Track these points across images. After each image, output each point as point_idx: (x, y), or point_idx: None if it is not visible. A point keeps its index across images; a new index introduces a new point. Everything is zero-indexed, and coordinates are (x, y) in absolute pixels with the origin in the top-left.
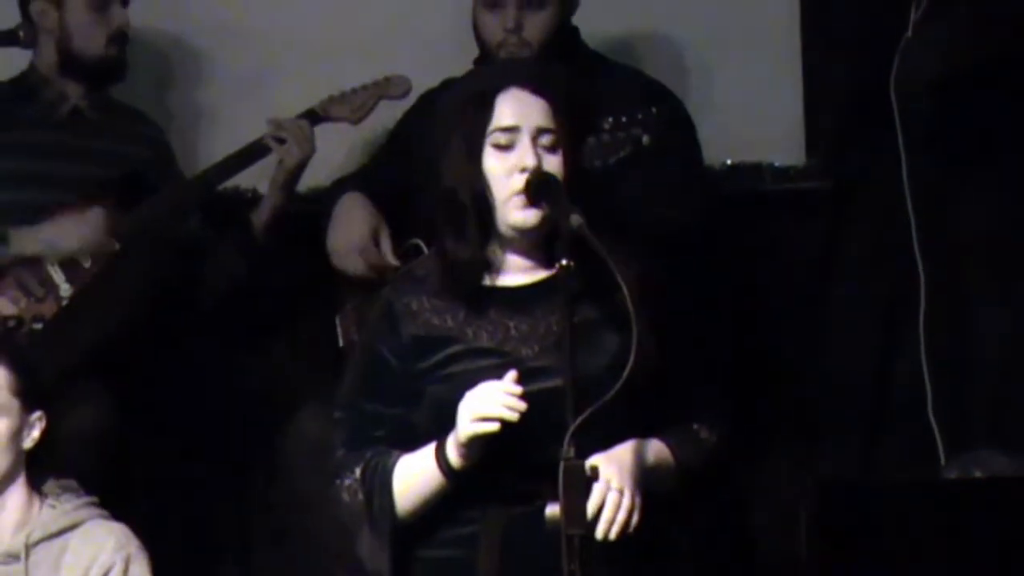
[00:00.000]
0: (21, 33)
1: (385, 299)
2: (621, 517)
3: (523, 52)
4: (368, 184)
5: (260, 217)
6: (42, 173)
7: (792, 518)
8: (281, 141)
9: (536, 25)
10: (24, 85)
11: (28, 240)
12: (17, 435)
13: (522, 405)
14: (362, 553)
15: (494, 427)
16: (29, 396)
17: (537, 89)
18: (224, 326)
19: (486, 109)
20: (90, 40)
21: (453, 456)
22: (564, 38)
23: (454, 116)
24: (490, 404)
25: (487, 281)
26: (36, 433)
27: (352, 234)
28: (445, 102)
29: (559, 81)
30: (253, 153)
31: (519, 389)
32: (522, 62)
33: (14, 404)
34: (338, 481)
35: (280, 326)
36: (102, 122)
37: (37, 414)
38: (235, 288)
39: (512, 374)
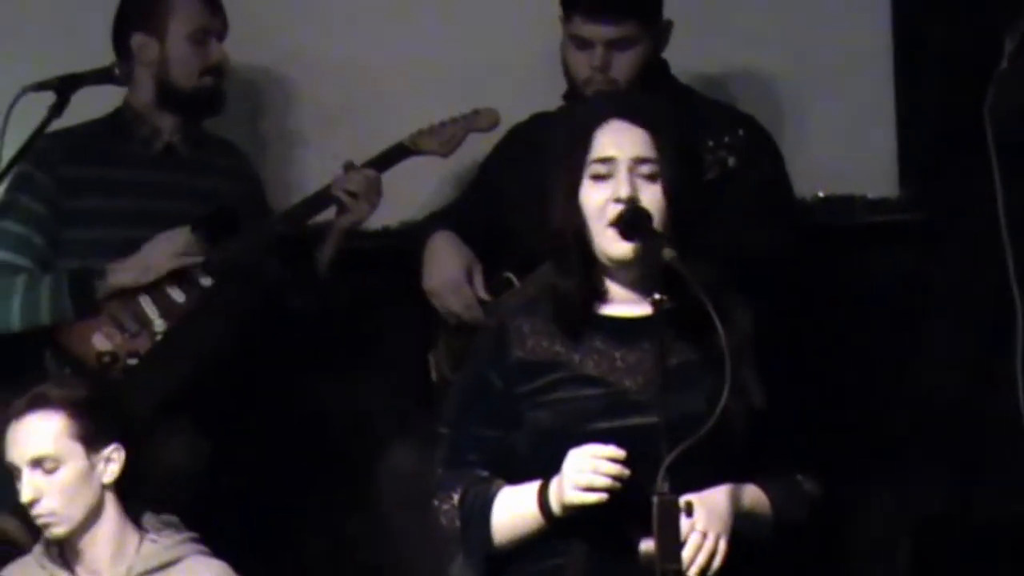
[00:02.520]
0: (116, 70)
1: (498, 319)
2: (702, 559)
3: (610, 89)
4: (459, 219)
5: (323, 256)
6: (136, 210)
7: (888, 554)
8: (351, 194)
9: (624, 63)
10: (117, 122)
11: (122, 271)
12: (87, 476)
13: (626, 472)
14: None
15: (599, 498)
16: (96, 436)
17: (636, 119)
18: (315, 360)
19: (586, 141)
20: (188, 72)
21: (556, 506)
22: (653, 73)
23: (557, 150)
24: (596, 476)
25: (597, 310)
26: (115, 467)
27: (445, 273)
28: (550, 137)
29: (659, 111)
30: (323, 200)
31: (622, 454)
32: (622, 93)
33: (75, 448)
34: (436, 503)
35: (372, 361)
36: (195, 158)
37: (111, 448)
38: (320, 322)
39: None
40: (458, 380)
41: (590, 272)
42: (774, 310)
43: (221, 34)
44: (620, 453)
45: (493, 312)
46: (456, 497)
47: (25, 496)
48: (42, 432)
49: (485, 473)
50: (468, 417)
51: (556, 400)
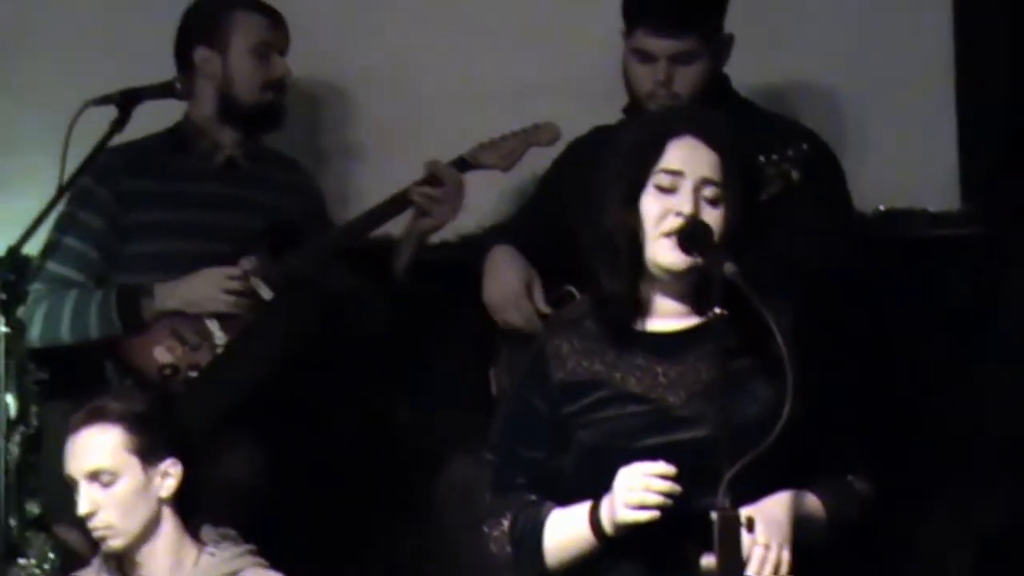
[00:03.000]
0: (178, 85)
1: (538, 342)
2: (768, 571)
3: (673, 104)
4: (520, 232)
5: (400, 263)
6: (196, 223)
7: (950, 569)
8: (430, 198)
9: (686, 78)
10: (178, 136)
11: (169, 295)
12: (144, 489)
13: (677, 489)
14: None
15: (652, 516)
16: (152, 450)
17: (711, 141)
18: (377, 373)
19: (656, 150)
20: (250, 86)
21: (608, 525)
22: (714, 87)
23: (624, 155)
24: (647, 494)
25: (638, 326)
26: (172, 482)
27: (505, 287)
28: (620, 138)
29: (731, 135)
30: (399, 205)
31: (673, 470)
32: (699, 111)
33: (132, 461)
34: (486, 529)
35: (433, 374)
36: (255, 171)
37: (168, 462)
38: (384, 335)
39: (665, 467)
40: (502, 406)
41: (637, 279)
42: (834, 321)
43: (283, 49)
44: (670, 469)
45: (535, 338)
46: (506, 523)
47: (82, 509)
48: (99, 445)
49: (534, 497)
50: (514, 441)
51: (601, 419)
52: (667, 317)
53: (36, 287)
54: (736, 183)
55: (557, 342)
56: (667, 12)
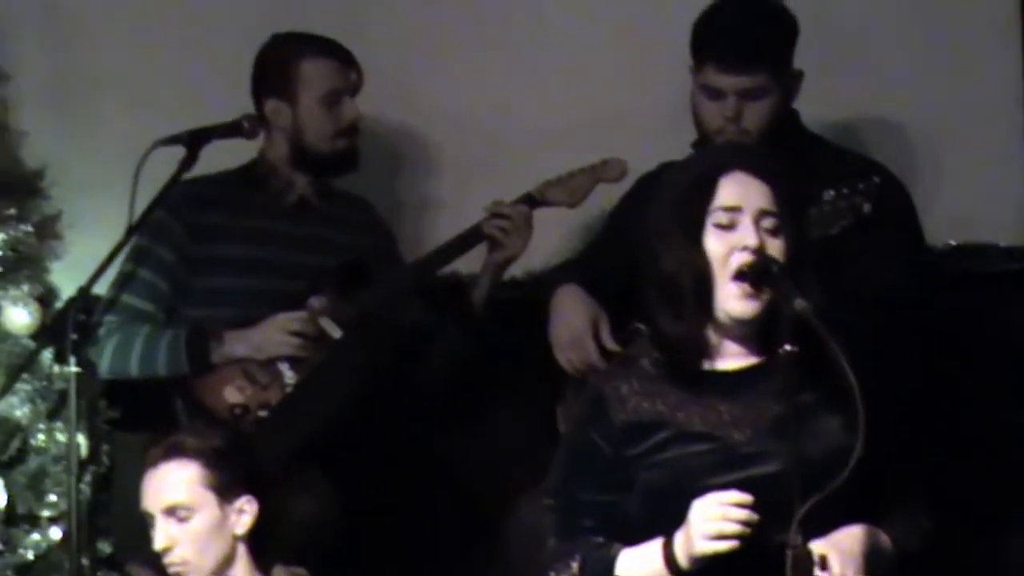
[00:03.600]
0: (245, 124)
1: (594, 385)
2: None
3: (743, 140)
4: (588, 269)
5: (478, 296)
6: (267, 260)
7: None
8: (503, 230)
9: (756, 114)
10: (253, 174)
11: (237, 341)
12: (220, 525)
13: (755, 517)
14: None
15: (731, 546)
16: (229, 486)
17: (760, 173)
18: (445, 412)
19: (709, 189)
20: (322, 135)
21: (684, 559)
22: (784, 122)
23: (677, 196)
24: (725, 523)
25: (700, 365)
26: (247, 519)
27: (570, 327)
28: (668, 182)
29: (781, 167)
30: (472, 239)
31: (750, 499)
32: (746, 145)
33: (209, 497)
34: (552, 574)
35: (503, 413)
36: (327, 211)
37: (243, 499)
38: (457, 371)
39: (741, 496)
40: (562, 450)
41: (702, 322)
42: (904, 355)
43: (355, 90)
44: (747, 498)
45: (589, 382)
46: (575, 565)
47: (158, 543)
48: (177, 480)
49: (600, 539)
50: (578, 484)
51: (666, 459)
52: (729, 357)
53: (109, 319)
54: (790, 212)
55: (615, 384)
56: (736, 48)
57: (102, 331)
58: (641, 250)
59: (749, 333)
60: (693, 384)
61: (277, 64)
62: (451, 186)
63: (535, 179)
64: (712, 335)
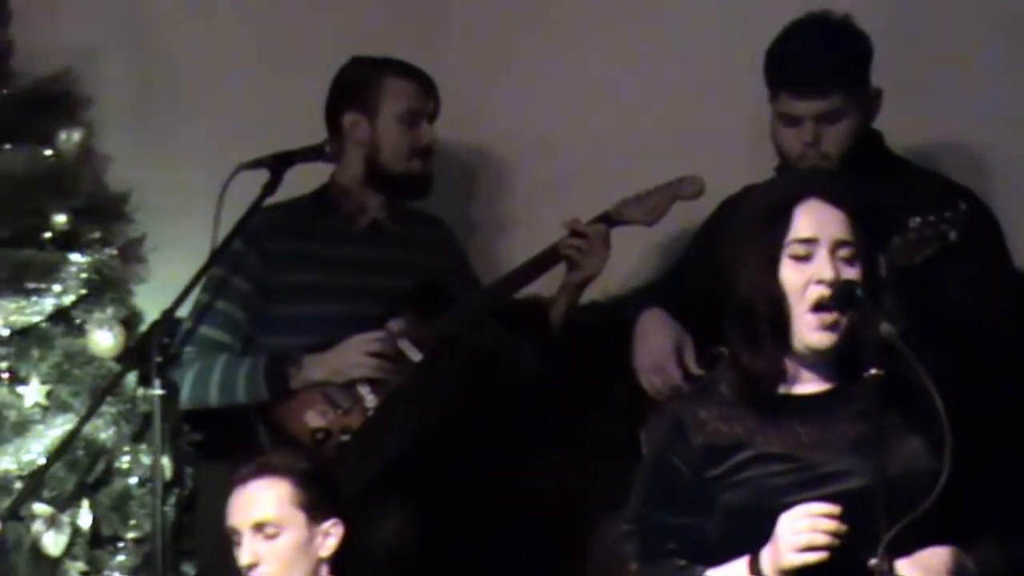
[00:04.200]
0: (328, 148)
1: (672, 410)
2: None
3: (823, 164)
4: (671, 292)
5: (556, 316)
6: (343, 285)
7: None
8: (579, 249)
9: (835, 137)
10: (324, 198)
11: (316, 366)
12: (306, 546)
13: (844, 528)
14: None
15: (821, 557)
16: (318, 507)
17: (836, 200)
18: (527, 435)
19: (784, 220)
20: (398, 153)
21: (772, 574)
22: (865, 145)
23: (752, 226)
24: (815, 535)
25: (779, 389)
26: (332, 542)
27: (653, 351)
28: (743, 211)
29: (857, 192)
30: (549, 260)
31: (838, 510)
32: (821, 172)
33: (298, 516)
34: None
35: (584, 436)
36: (400, 233)
37: (331, 522)
38: (537, 393)
39: (830, 507)
40: (642, 475)
41: (780, 352)
42: (990, 380)
43: (433, 115)
44: (835, 509)
45: (666, 407)
46: None
47: (244, 559)
48: (267, 497)
49: (683, 562)
50: (659, 508)
51: (746, 480)
52: (808, 381)
53: (187, 350)
54: (868, 238)
55: (693, 410)
56: (807, 73)
57: (182, 361)
58: (720, 276)
59: (825, 361)
60: (770, 408)
61: (360, 79)
62: (524, 206)
63: (609, 198)
64: (789, 363)
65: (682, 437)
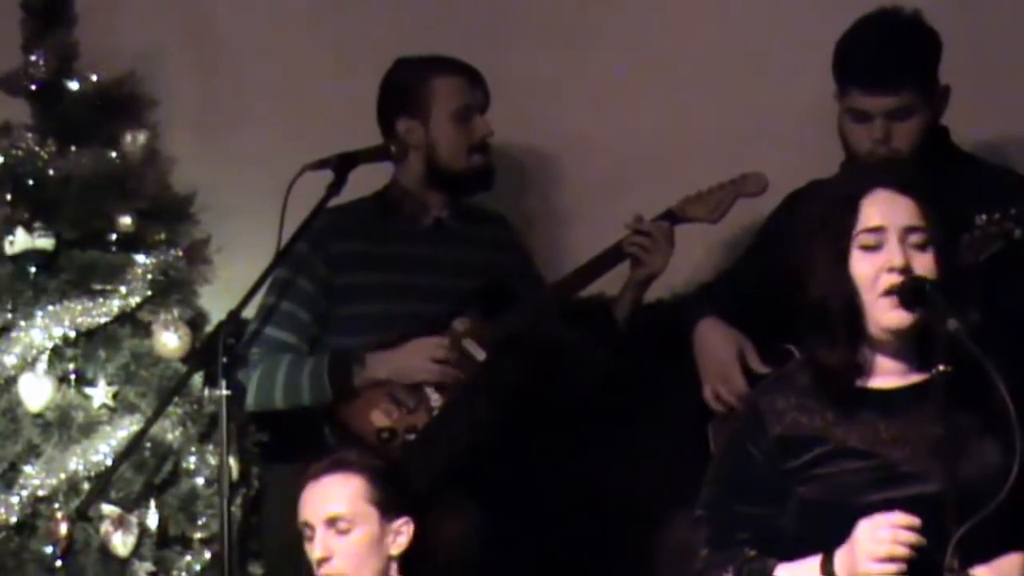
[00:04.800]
0: (393, 148)
1: (751, 399)
2: None
3: (897, 156)
4: (729, 292)
5: (621, 313)
6: (407, 285)
7: None
8: (643, 247)
9: (905, 134)
10: (386, 199)
11: (380, 364)
12: (378, 542)
13: (923, 542)
14: None
15: (899, 569)
16: (391, 505)
17: (902, 188)
18: (594, 430)
19: (852, 212)
20: (455, 151)
21: None
22: (934, 140)
23: (820, 221)
24: (896, 546)
25: (858, 383)
26: (403, 540)
27: (717, 361)
28: (810, 207)
29: (923, 179)
30: (613, 258)
31: (918, 522)
32: (885, 162)
33: (371, 512)
34: None
35: (650, 433)
36: (463, 231)
37: (402, 520)
38: (603, 390)
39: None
40: (716, 462)
41: (856, 345)
42: None
43: (484, 107)
44: (916, 521)
45: (747, 395)
46: None
47: (316, 553)
48: (341, 492)
49: (753, 552)
50: (733, 496)
51: (823, 475)
52: (888, 374)
53: (253, 351)
54: (938, 222)
55: (771, 398)
56: (880, 69)
57: (248, 362)
58: (789, 272)
59: (905, 350)
60: (852, 402)
61: (408, 84)
62: (581, 203)
63: (666, 195)
64: (867, 353)
65: (759, 427)
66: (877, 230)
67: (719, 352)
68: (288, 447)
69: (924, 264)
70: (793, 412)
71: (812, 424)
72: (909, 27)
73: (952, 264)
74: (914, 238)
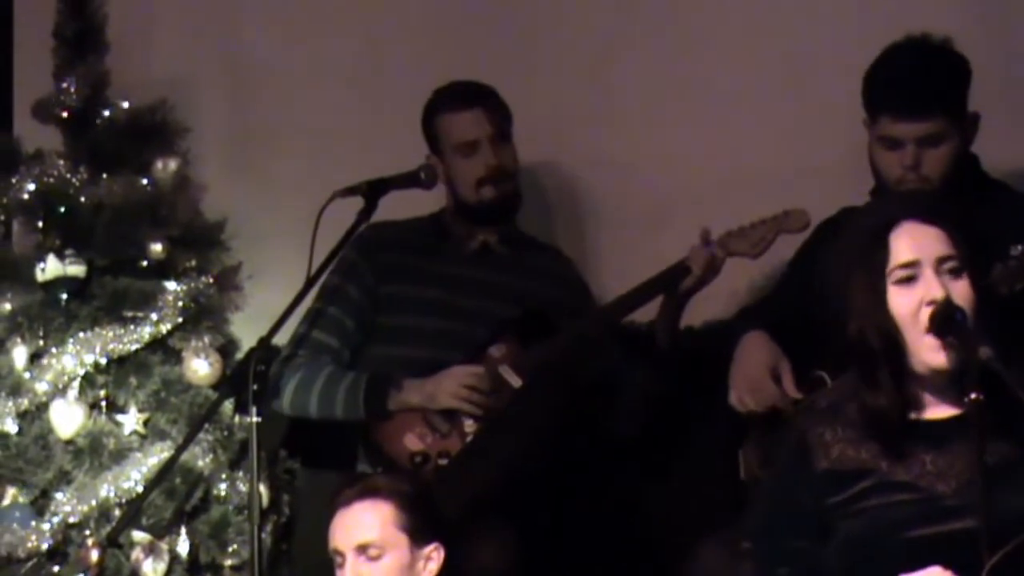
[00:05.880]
0: (422, 174)
1: (799, 429)
2: None
3: (923, 187)
4: (770, 316)
5: (661, 334)
6: (449, 303)
7: None
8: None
9: (935, 161)
10: (439, 220)
11: (415, 391)
12: (408, 569)
13: None
14: None
15: None
16: (421, 531)
17: (931, 219)
18: (626, 458)
19: (882, 248)
20: (466, 185)
21: None
22: (965, 168)
23: (851, 258)
24: None
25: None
26: (433, 566)
27: (749, 371)
28: (840, 243)
29: (949, 207)
30: (668, 280)
31: None
32: (911, 193)
33: (401, 538)
34: None
35: (681, 459)
36: (512, 257)
37: (432, 546)
38: (641, 417)
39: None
40: (762, 493)
41: (901, 383)
42: None
43: (496, 135)
44: None
45: (793, 424)
46: None
47: None
48: (371, 519)
49: None
50: (777, 530)
51: (868, 508)
52: (934, 406)
53: (299, 353)
54: (968, 248)
55: (820, 430)
56: (911, 96)
57: (292, 364)
58: (821, 302)
59: (949, 381)
60: (897, 434)
61: (425, 121)
62: (621, 236)
63: (699, 228)
64: (912, 385)
65: (805, 462)
66: (911, 265)
67: (754, 363)
68: (323, 459)
69: (961, 291)
70: (840, 444)
71: (859, 457)
72: (939, 53)
73: (987, 288)
74: (948, 265)
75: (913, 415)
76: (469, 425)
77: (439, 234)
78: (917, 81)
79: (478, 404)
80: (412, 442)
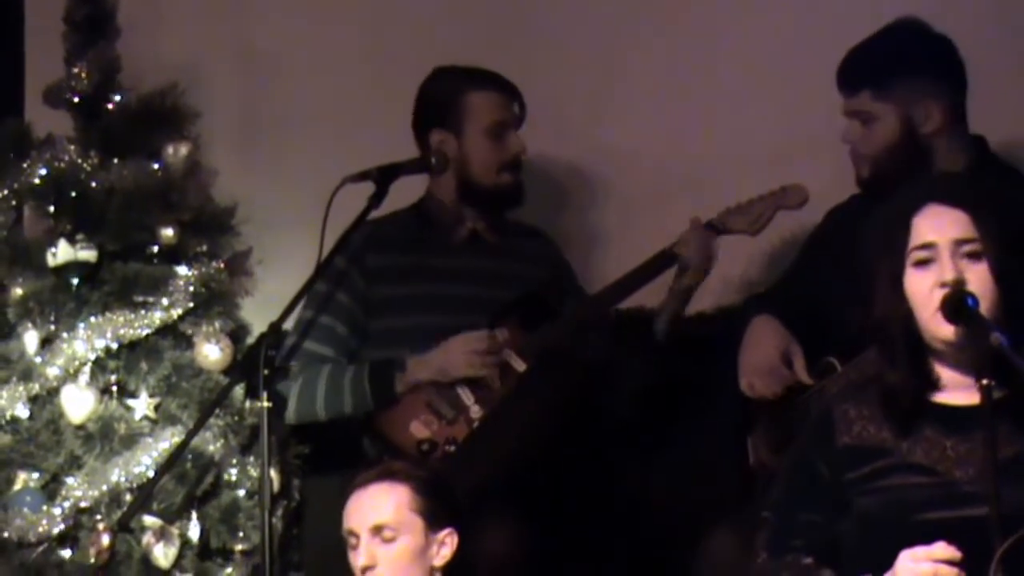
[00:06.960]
0: (433, 160)
1: (826, 404)
2: None
3: (859, 163)
4: (781, 302)
5: (660, 326)
6: (444, 296)
7: None
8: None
9: (866, 139)
10: (422, 211)
11: (421, 367)
12: (422, 553)
13: (958, 573)
14: None
15: None
16: (436, 515)
17: (954, 201)
18: (632, 444)
19: (905, 230)
20: (487, 168)
21: None
22: (975, 151)
23: (878, 242)
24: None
25: (928, 397)
26: (447, 551)
27: (759, 355)
28: (866, 231)
29: (977, 190)
30: (657, 266)
31: (959, 556)
32: (940, 177)
33: (416, 522)
34: None
35: (689, 445)
36: (500, 243)
37: (446, 531)
38: (644, 402)
39: (952, 552)
40: (785, 465)
41: (919, 362)
42: None
43: (519, 123)
44: (957, 555)
45: (819, 399)
46: None
47: (361, 561)
48: (386, 501)
49: (809, 559)
50: (794, 502)
51: (884, 488)
52: (956, 390)
53: (292, 364)
54: (995, 234)
55: (845, 407)
56: (840, 71)
57: (288, 374)
58: (848, 289)
59: (967, 363)
60: (920, 416)
61: (443, 96)
62: (622, 219)
63: (708, 210)
64: (933, 368)
65: (827, 437)
66: (928, 246)
67: (765, 347)
68: (329, 460)
69: (978, 275)
70: (862, 421)
71: (879, 436)
72: (887, 32)
73: (1011, 272)
74: (966, 248)
75: (937, 399)
76: (475, 411)
77: (423, 225)
78: (850, 57)
79: (492, 365)
80: (418, 429)
